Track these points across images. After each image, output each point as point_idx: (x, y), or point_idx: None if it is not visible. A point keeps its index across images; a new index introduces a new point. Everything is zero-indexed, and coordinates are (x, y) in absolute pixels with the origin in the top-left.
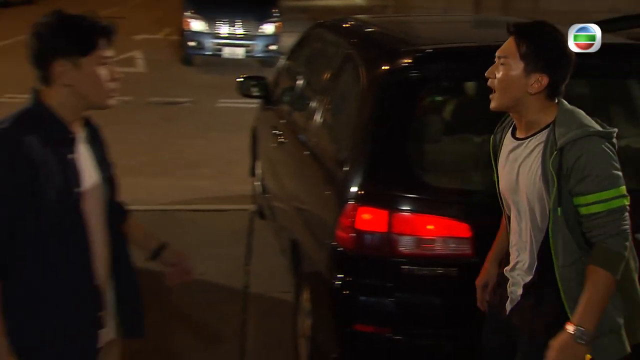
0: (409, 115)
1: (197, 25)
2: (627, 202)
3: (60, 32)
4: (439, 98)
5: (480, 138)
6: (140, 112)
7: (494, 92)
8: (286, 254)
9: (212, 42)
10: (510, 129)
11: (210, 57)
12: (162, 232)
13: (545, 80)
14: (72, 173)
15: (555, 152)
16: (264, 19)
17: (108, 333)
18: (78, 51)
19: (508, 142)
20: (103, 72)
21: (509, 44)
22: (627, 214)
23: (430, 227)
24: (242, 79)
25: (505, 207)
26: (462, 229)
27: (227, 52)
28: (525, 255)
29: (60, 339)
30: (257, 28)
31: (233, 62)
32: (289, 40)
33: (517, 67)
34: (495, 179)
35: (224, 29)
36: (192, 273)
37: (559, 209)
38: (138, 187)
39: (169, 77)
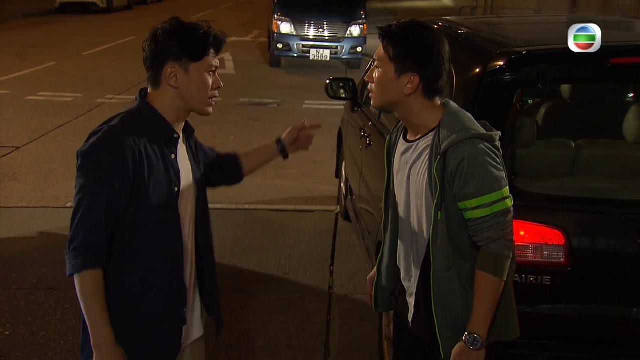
0: (501, 119)
1: (285, 27)
2: (510, 203)
3: (175, 37)
4: (532, 101)
5: (574, 142)
6: (229, 113)
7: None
8: (371, 256)
9: (300, 44)
10: (403, 130)
11: (297, 59)
12: (247, 231)
13: (416, 79)
14: (173, 172)
15: (439, 157)
16: (351, 21)
17: (195, 331)
18: (189, 57)
19: (400, 144)
20: (208, 79)
21: (380, 48)
22: (510, 215)
23: (522, 233)
24: (330, 81)
25: (395, 210)
26: (556, 236)
27: (314, 54)
28: (410, 261)
29: (148, 333)
30: (344, 30)
31: (320, 64)
32: (375, 42)
33: (389, 70)
34: (386, 182)
35: (311, 31)
36: (312, 135)
37: (439, 212)
38: (225, 186)
39: (257, 79)
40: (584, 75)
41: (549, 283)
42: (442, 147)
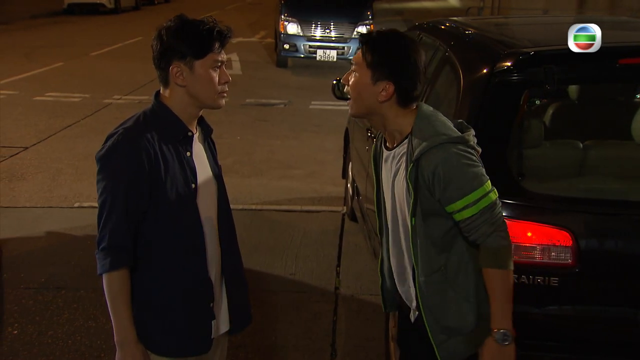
0: (508, 120)
1: (292, 28)
2: (494, 196)
3: (179, 35)
4: (540, 102)
5: (582, 143)
6: (235, 113)
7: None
8: (377, 257)
9: (306, 44)
10: (383, 139)
11: (304, 59)
12: (254, 231)
13: (391, 87)
14: (189, 169)
15: (412, 165)
16: (358, 21)
17: (222, 326)
18: (193, 54)
19: (384, 152)
20: (214, 74)
21: (359, 53)
22: (498, 207)
23: (529, 234)
24: (336, 82)
25: (387, 217)
26: (563, 237)
27: (320, 54)
28: (401, 266)
29: (177, 330)
30: (351, 31)
31: (326, 65)
32: None
33: (366, 76)
34: (375, 189)
35: (318, 32)
36: None
37: (413, 219)
38: (231, 187)
39: (263, 79)
40: (591, 75)
41: (556, 284)
42: (414, 155)
